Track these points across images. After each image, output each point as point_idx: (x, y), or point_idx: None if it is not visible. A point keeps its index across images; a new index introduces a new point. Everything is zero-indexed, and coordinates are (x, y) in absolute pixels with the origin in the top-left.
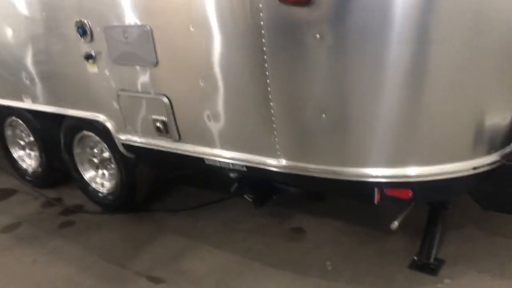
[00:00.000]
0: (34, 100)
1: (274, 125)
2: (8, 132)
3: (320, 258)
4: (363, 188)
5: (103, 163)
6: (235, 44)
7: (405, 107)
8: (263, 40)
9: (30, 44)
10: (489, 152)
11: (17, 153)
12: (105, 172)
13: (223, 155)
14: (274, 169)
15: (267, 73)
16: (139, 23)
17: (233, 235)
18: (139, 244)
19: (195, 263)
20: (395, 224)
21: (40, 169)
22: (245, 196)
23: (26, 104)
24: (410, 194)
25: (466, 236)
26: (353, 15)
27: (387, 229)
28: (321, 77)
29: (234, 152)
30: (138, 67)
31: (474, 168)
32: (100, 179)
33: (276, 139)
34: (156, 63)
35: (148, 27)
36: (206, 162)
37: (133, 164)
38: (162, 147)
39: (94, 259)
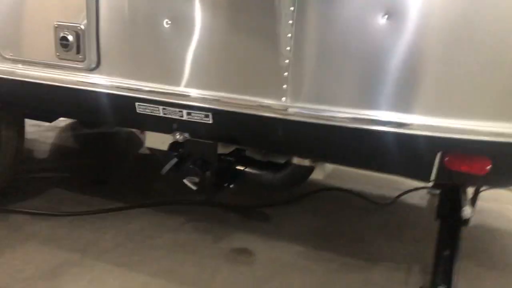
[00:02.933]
0: None
1: (288, 49)
2: None
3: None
4: (414, 154)
5: None
6: None
7: None
8: None
9: None
10: None
11: None
12: None
13: (176, 93)
14: (272, 115)
15: None
16: None
17: (144, 252)
18: None
19: (82, 285)
20: (468, 210)
21: None
22: (185, 180)
23: None
24: (488, 168)
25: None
26: None
27: (369, 255)
28: None
29: (199, 91)
30: None
31: None
32: None
33: (286, 73)
34: None
35: None
36: (138, 109)
37: None
38: (62, 81)
39: None
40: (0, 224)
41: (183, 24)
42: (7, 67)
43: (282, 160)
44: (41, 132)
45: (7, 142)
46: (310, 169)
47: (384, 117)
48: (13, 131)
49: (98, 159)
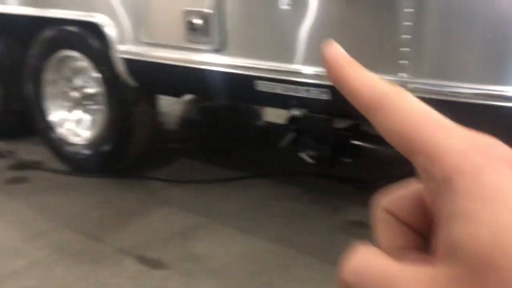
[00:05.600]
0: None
1: (408, 24)
2: None
3: None
4: None
5: (82, 102)
6: None
7: None
8: None
9: None
10: None
11: None
12: (84, 116)
13: (295, 71)
14: None
15: None
16: None
17: (263, 219)
18: (125, 215)
19: (211, 247)
20: None
21: None
22: (301, 153)
23: None
24: None
25: None
26: None
27: None
28: None
29: (317, 68)
30: None
31: None
32: (72, 125)
33: (405, 48)
34: None
35: None
36: (259, 86)
37: (132, 101)
38: (192, 61)
39: (52, 226)
40: (139, 190)
41: (302, 3)
42: (144, 50)
43: None
44: (168, 105)
45: (144, 116)
46: None
47: None
48: (149, 106)
49: (220, 130)
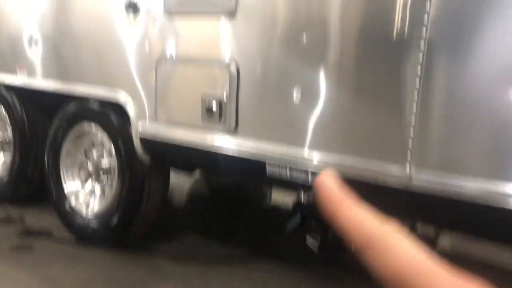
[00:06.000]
0: (31, 73)
1: (413, 120)
2: None
3: None
4: None
5: (97, 175)
6: None
7: None
8: None
9: None
10: None
11: None
12: (96, 189)
13: (303, 159)
14: (395, 184)
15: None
16: None
17: None
18: None
19: None
20: None
21: (6, 178)
22: (308, 242)
23: (20, 78)
24: None
25: None
26: None
27: None
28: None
29: (323, 157)
30: (202, 19)
31: None
32: (85, 196)
33: (410, 143)
34: (234, 12)
35: None
36: (268, 170)
37: (144, 176)
38: (206, 141)
39: None
40: (143, 264)
41: (311, 95)
42: (161, 129)
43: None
44: (178, 179)
45: (154, 193)
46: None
47: None
48: (159, 183)
49: (228, 208)
